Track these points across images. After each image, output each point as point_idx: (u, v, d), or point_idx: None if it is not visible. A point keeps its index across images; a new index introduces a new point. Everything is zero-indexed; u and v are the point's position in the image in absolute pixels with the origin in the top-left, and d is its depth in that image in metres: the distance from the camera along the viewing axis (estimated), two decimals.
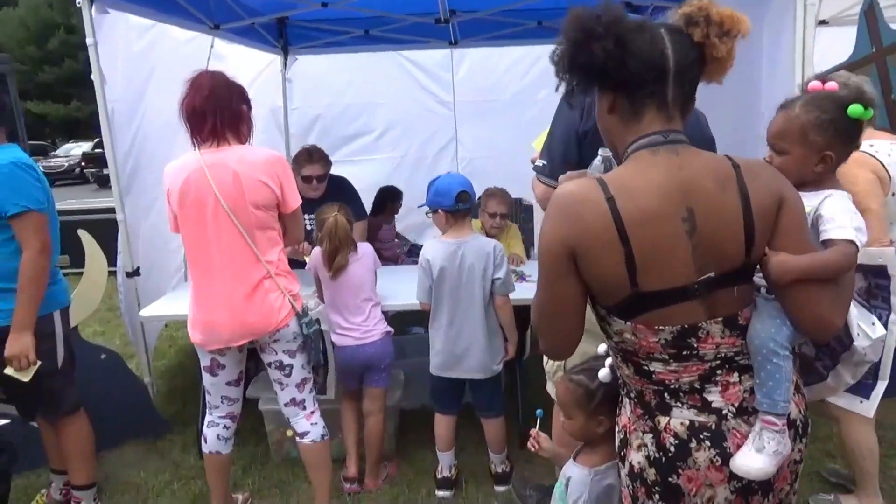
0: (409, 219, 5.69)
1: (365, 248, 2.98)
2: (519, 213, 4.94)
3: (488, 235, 3.63)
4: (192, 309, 2.46)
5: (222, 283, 2.39)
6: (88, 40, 3.05)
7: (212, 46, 4.52)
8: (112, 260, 3.51)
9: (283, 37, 5.58)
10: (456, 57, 5.97)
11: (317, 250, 2.95)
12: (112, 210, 3.52)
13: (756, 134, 2.98)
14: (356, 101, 6.11)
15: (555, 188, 2.07)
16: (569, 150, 2.09)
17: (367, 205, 4.49)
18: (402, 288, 3.19)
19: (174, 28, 3.95)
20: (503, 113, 6.01)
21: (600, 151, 1.56)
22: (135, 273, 3.44)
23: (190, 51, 4.29)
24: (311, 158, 3.65)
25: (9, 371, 2.43)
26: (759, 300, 1.27)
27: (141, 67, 3.74)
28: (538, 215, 5.17)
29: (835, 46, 4.10)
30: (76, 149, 23.32)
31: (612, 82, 1.23)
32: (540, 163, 2.17)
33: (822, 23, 4.67)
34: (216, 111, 2.37)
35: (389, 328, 2.99)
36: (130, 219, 3.55)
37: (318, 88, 6.01)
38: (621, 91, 1.24)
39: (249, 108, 2.51)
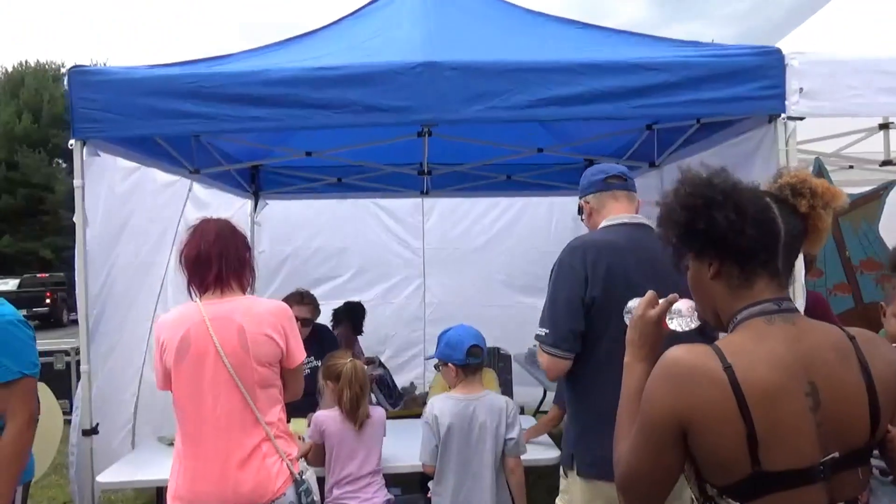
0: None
1: (377, 414, 2.78)
2: (496, 362, 4.82)
3: None
4: (178, 477, 2.17)
5: (216, 448, 2.14)
6: (76, 182, 2.92)
7: (190, 190, 4.47)
8: None
9: (256, 182, 5.61)
10: (427, 205, 6.11)
11: (323, 413, 2.73)
12: None
13: None
14: (325, 244, 6.09)
15: (562, 357, 2.02)
16: (575, 319, 2.04)
17: None
18: (395, 446, 2.95)
19: (157, 171, 3.90)
20: (472, 260, 6.13)
21: (631, 303, 1.50)
22: (93, 431, 3.08)
23: (171, 193, 4.24)
24: (301, 300, 3.61)
25: None
26: (873, 482, 1.18)
27: (120, 209, 3.63)
28: (517, 367, 5.10)
29: None
30: (11, 284, 22.27)
31: (727, 250, 1.19)
32: (542, 332, 2.08)
33: None
34: (222, 257, 2.25)
35: (390, 496, 2.72)
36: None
37: (287, 232, 5.99)
38: (730, 258, 1.20)
39: (252, 255, 2.42)
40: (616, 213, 2.23)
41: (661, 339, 1.39)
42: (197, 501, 2.14)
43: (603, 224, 2.21)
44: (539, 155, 4.75)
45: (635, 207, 2.27)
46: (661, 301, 1.40)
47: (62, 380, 6.96)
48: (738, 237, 1.17)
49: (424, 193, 5.67)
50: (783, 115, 2.91)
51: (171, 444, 2.73)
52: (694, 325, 1.36)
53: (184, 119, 2.95)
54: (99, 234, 3.37)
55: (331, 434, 2.70)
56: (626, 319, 1.51)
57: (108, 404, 3.75)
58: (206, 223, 2.32)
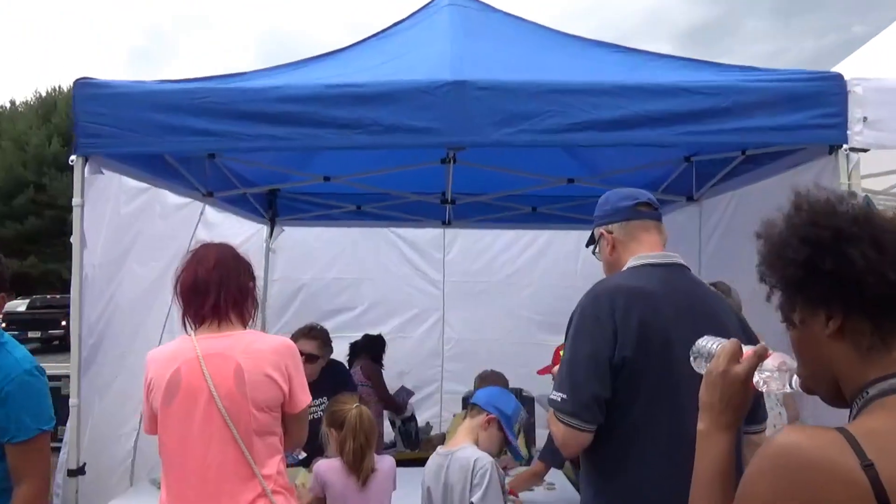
0: None
1: (385, 465, 2.51)
2: None
3: None
4: None
5: None
6: (75, 200, 2.72)
7: (202, 213, 4.28)
8: None
9: (272, 207, 5.43)
10: (448, 236, 5.87)
11: (325, 463, 2.47)
12: None
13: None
14: (341, 275, 5.88)
15: (582, 430, 1.68)
16: (600, 383, 1.71)
17: None
18: (405, 497, 2.66)
19: (167, 193, 3.72)
20: (494, 295, 5.87)
21: (703, 342, 1.23)
22: (79, 471, 2.83)
23: (182, 217, 4.06)
24: (309, 333, 3.32)
25: None
26: None
27: (126, 231, 3.44)
28: (540, 411, 4.78)
29: None
30: (21, 306, 22.43)
31: (859, 299, 0.92)
32: (557, 396, 1.74)
33: None
34: (220, 285, 2.02)
35: None
36: (84, 402, 3.02)
37: (302, 260, 5.78)
38: (861, 310, 0.93)
39: (255, 285, 2.19)
40: (647, 248, 1.89)
41: (749, 401, 1.11)
42: None
43: (630, 263, 1.88)
44: (566, 186, 4.51)
45: (664, 241, 1.95)
46: (746, 352, 1.13)
47: (67, 405, 6.77)
48: (878, 282, 0.90)
49: (447, 224, 5.45)
50: (845, 146, 2.64)
51: None
52: (789, 388, 1.09)
53: (195, 136, 2.76)
54: (101, 258, 3.18)
55: (332, 486, 2.43)
56: (694, 365, 1.23)
57: (106, 438, 3.53)
58: (205, 248, 2.10)
